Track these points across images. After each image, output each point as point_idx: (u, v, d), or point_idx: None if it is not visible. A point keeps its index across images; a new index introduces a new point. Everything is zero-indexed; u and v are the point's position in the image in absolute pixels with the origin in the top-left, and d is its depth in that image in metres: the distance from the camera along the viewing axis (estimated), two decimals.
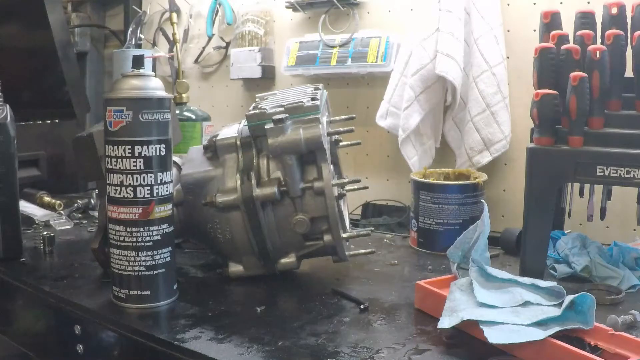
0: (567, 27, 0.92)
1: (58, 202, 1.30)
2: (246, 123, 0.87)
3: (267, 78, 1.59)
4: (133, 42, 1.69)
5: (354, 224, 1.31)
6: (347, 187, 0.93)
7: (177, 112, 1.32)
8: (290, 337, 0.69)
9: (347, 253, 0.88)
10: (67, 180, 1.52)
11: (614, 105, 0.85)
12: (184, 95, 1.37)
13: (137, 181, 0.76)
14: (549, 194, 0.84)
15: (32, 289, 0.89)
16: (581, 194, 0.97)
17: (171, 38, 1.65)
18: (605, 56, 0.82)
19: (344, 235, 0.86)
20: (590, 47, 0.83)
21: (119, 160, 0.75)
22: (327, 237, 0.84)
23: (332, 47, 1.42)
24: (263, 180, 0.85)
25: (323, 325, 0.73)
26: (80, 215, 1.32)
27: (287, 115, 0.82)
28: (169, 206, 0.79)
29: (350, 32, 1.41)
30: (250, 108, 0.88)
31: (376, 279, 0.92)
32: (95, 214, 1.28)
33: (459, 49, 1.20)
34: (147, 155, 0.76)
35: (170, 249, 0.79)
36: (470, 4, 1.22)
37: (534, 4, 1.21)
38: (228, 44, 1.66)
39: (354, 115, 1.00)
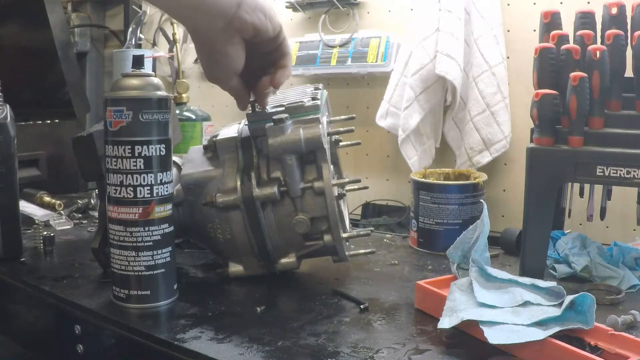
0: (567, 27, 0.92)
1: (58, 202, 1.30)
2: (246, 123, 0.87)
3: None
4: (133, 42, 1.69)
5: (354, 224, 1.31)
6: (347, 187, 0.93)
7: (177, 112, 1.32)
8: (290, 337, 0.69)
9: (347, 253, 0.88)
10: (67, 180, 1.52)
11: (614, 105, 0.85)
12: (184, 95, 1.37)
13: (137, 181, 0.76)
14: (549, 194, 0.84)
15: (32, 289, 0.89)
16: (581, 194, 0.97)
17: (171, 38, 1.65)
18: (605, 56, 0.82)
19: (344, 235, 0.86)
20: (590, 47, 0.82)
21: (119, 160, 0.75)
22: (327, 237, 0.84)
23: (332, 47, 1.42)
24: (263, 180, 0.85)
25: (323, 325, 0.73)
26: (80, 215, 1.32)
27: (287, 115, 0.82)
28: (169, 206, 0.79)
29: (350, 32, 1.41)
30: None
31: (376, 279, 0.92)
32: (95, 214, 1.28)
33: (459, 49, 1.20)
34: (147, 155, 0.76)
35: (170, 249, 0.79)
36: (470, 4, 1.22)
37: (534, 4, 1.21)
38: None
39: (354, 115, 1.00)
